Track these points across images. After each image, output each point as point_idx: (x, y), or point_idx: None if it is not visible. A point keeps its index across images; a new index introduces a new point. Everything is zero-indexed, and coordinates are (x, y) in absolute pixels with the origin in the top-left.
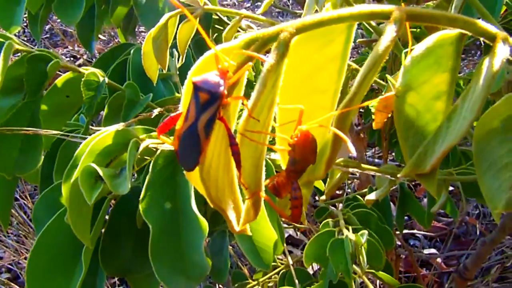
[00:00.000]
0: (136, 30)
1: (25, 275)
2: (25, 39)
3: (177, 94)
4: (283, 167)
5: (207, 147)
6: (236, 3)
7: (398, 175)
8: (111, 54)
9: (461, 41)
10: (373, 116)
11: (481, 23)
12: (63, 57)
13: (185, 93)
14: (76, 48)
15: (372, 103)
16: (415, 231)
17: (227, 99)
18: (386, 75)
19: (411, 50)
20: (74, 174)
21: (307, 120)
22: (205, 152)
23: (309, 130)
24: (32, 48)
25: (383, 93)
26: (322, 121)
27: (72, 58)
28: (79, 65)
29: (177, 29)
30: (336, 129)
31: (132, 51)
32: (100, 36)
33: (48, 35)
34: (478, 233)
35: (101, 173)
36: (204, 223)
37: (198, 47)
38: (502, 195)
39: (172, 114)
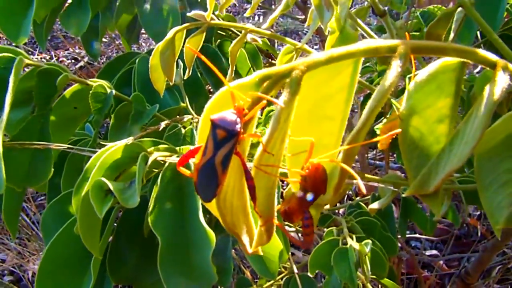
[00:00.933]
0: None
1: (35, 281)
2: (27, 40)
3: (182, 104)
4: (293, 190)
5: (224, 181)
6: (237, 4)
7: (403, 195)
8: (116, 63)
9: (463, 68)
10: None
11: (482, 52)
12: (64, 59)
13: (202, 128)
14: (77, 50)
15: (377, 126)
16: (417, 235)
17: (243, 135)
18: (392, 99)
19: (415, 75)
20: (85, 187)
21: (316, 144)
22: (222, 185)
23: (319, 162)
24: (34, 51)
25: (387, 115)
26: (332, 148)
27: (73, 60)
28: (81, 67)
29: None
30: (345, 165)
31: (137, 61)
32: None
33: (49, 37)
34: (479, 234)
35: (111, 187)
36: (212, 234)
37: (203, 61)
38: (502, 211)
39: (191, 148)
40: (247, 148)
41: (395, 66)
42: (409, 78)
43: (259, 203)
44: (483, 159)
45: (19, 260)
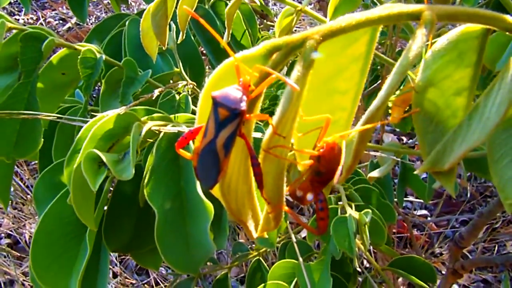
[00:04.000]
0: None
1: (29, 252)
2: (12, 1)
3: (175, 69)
4: (301, 168)
5: (226, 166)
6: None
7: (415, 172)
8: (105, 25)
9: (487, 35)
10: (389, 111)
11: (510, 18)
12: (52, 19)
13: (202, 106)
14: (64, 11)
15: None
16: (410, 198)
17: (248, 115)
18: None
19: (432, 43)
20: (77, 159)
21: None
22: (225, 171)
23: (335, 141)
24: (19, 12)
25: (401, 87)
26: (343, 124)
27: (61, 21)
28: (69, 29)
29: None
30: (358, 144)
31: (127, 23)
32: None
33: None
34: (469, 195)
35: (104, 160)
36: (210, 206)
37: (196, 22)
38: None
39: (191, 128)
40: (252, 129)
41: (420, 35)
42: (426, 46)
43: (268, 190)
44: (497, 130)
45: (15, 224)
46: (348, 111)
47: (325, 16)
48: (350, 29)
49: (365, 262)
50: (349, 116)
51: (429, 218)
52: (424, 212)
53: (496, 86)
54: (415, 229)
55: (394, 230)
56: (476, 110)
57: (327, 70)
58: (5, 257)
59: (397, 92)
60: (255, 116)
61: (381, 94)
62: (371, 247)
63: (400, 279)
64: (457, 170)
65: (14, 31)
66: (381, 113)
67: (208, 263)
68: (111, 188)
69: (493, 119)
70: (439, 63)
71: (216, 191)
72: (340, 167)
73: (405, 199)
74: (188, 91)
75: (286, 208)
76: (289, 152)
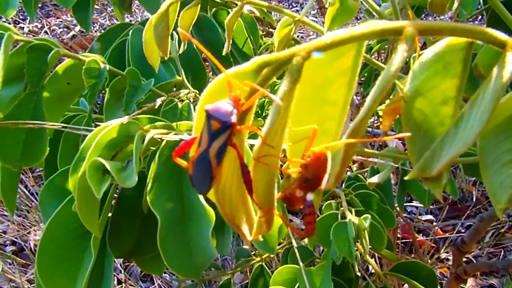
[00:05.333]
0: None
1: (35, 258)
2: (18, 9)
3: (177, 77)
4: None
5: (219, 174)
6: None
7: (405, 178)
8: (109, 35)
9: (471, 47)
10: (380, 119)
11: (491, 31)
12: (56, 27)
13: (198, 119)
14: (69, 19)
15: (380, 107)
16: (414, 203)
17: (239, 126)
18: (395, 81)
19: (419, 55)
20: (82, 167)
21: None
22: (218, 178)
23: (321, 150)
24: (24, 21)
25: (391, 97)
26: (333, 134)
27: (65, 29)
28: (73, 36)
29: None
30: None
31: (130, 33)
32: None
33: (39, 5)
34: (474, 199)
35: (108, 168)
36: (211, 212)
37: (199, 30)
38: (505, 191)
39: (187, 139)
40: (245, 139)
41: (401, 51)
42: (414, 58)
43: (259, 195)
44: (488, 136)
45: (20, 231)
46: (337, 121)
47: None
48: (335, 46)
49: (370, 267)
50: (338, 125)
51: (434, 223)
52: (429, 217)
53: (480, 95)
54: (421, 235)
55: (399, 236)
56: (462, 118)
57: (316, 82)
58: (10, 264)
59: (387, 102)
60: (246, 128)
61: (365, 106)
62: (377, 255)
63: (406, 285)
64: (451, 176)
65: (21, 42)
66: (366, 124)
67: (212, 269)
68: (115, 195)
69: (477, 127)
70: (426, 74)
71: (212, 196)
72: (326, 175)
73: (410, 204)
74: (190, 99)
75: (276, 212)
76: (279, 160)
